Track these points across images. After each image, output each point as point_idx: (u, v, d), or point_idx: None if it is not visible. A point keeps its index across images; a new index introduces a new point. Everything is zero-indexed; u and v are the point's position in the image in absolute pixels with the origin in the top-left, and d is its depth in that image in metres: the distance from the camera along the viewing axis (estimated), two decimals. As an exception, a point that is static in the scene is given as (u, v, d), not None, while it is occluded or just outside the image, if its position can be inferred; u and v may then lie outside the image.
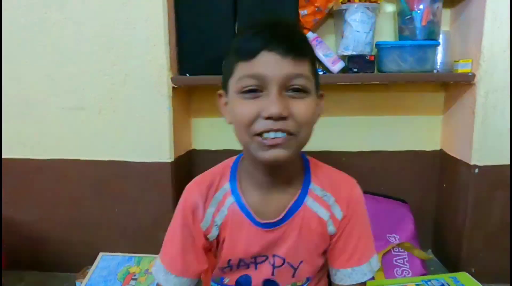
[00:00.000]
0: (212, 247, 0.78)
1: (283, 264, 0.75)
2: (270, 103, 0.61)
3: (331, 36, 1.43)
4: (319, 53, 1.34)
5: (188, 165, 1.50)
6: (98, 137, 1.34)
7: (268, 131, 0.62)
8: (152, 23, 1.24)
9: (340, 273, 0.75)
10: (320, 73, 1.34)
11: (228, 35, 1.26)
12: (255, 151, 0.65)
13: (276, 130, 0.62)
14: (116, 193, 1.37)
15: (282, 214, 0.73)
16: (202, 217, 0.74)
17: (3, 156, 1.38)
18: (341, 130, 1.49)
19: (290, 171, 0.74)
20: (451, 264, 1.40)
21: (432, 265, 1.45)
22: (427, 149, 1.51)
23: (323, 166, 0.79)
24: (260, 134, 0.63)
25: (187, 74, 1.31)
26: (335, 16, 1.39)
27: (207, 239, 0.76)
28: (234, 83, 0.66)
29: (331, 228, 0.75)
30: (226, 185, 0.75)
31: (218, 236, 0.76)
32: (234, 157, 0.79)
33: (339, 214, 0.74)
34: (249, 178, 0.74)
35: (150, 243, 1.22)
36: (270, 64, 0.62)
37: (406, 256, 1.28)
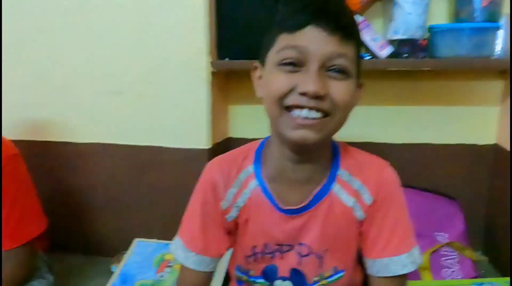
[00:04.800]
0: (231, 230, 0.76)
1: (309, 253, 0.73)
2: (308, 79, 0.58)
3: (378, 19, 1.35)
4: (366, 37, 1.27)
5: (224, 152, 1.46)
6: (135, 121, 1.33)
7: (301, 108, 0.59)
8: (191, 6, 1.21)
9: (376, 263, 0.70)
10: (367, 58, 1.27)
11: (270, 18, 1.20)
12: (283, 127, 0.62)
13: (311, 108, 0.59)
14: (153, 179, 1.36)
15: (307, 201, 0.70)
16: (223, 195, 0.73)
17: (43, 139, 1.41)
18: (386, 121, 1.41)
19: (318, 158, 0.70)
20: (505, 267, 1.30)
21: (483, 267, 1.35)
22: (480, 143, 1.40)
23: (353, 150, 0.76)
24: (290, 109, 0.60)
25: (227, 59, 1.27)
26: (384, -3, 1.30)
27: (225, 219, 0.74)
28: (273, 55, 0.63)
29: (359, 214, 0.71)
30: (250, 168, 0.73)
31: (237, 217, 0.74)
32: (260, 140, 0.76)
33: (368, 199, 0.70)
34: (274, 163, 0.71)
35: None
36: (315, 39, 0.59)
37: (457, 256, 1.19)
